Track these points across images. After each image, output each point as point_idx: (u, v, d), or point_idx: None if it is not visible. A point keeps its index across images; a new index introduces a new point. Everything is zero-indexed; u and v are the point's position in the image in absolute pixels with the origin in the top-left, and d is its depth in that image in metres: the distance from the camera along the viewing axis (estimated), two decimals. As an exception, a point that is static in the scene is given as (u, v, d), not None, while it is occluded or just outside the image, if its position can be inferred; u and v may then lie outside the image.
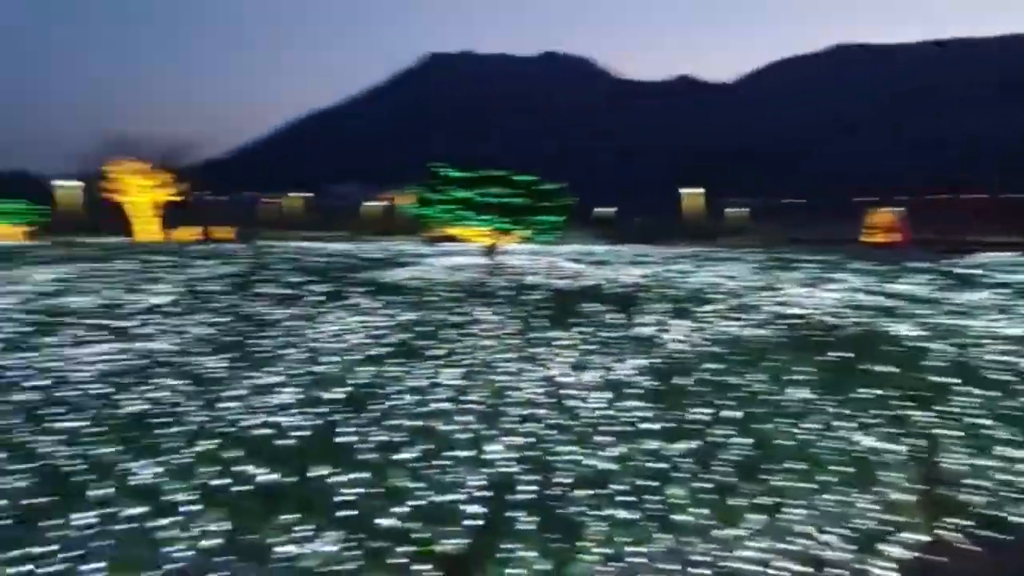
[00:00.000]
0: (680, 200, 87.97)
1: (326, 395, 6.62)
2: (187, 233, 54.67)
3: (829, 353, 9.02)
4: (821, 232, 79.17)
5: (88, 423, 5.65)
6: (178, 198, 56.38)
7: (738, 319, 11.71)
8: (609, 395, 6.77)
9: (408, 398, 6.54)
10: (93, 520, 4.11)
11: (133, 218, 52.84)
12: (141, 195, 52.29)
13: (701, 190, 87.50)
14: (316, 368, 7.73)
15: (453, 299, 13.26)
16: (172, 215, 56.08)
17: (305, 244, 44.79)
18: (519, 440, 5.49)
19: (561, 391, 6.93)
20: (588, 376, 7.55)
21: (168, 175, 53.44)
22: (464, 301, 13.01)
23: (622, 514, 4.40)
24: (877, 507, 4.71)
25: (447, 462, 5.04)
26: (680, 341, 9.63)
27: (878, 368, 8.31)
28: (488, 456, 5.14)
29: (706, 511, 4.56)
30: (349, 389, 6.81)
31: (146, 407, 6.15)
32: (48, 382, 6.98)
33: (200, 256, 26.90)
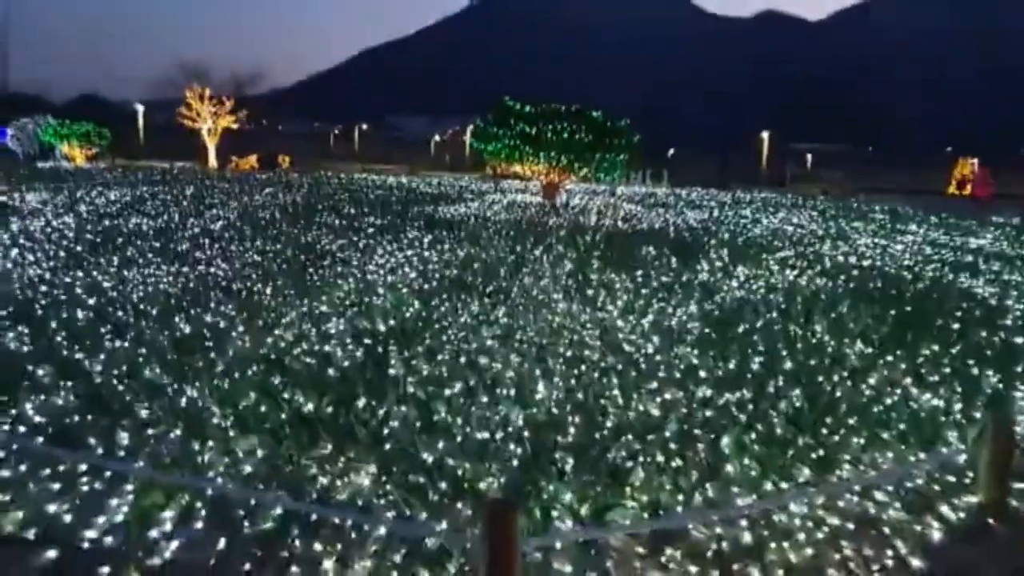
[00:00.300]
0: (755, 143, 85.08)
1: (375, 327, 6.55)
2: (249, 160, 55.52)
3: (897, 306, 8.57)
4: (898, 181, 75.95)
5: (135, 345, 5.71)
6: (244, 126, 57.33)
7: (802, 267, 11.24)
8: (662, 340, 6.53)
9: (457, 334, 6.43)
10: (134, 441, 4.12)
11: (204, 144, 53.95)
12: (212, 121, 53.23)
13: (766, 133, 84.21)
14: (367, 299, 7.68)
15: (509, 237, 13.08)
16: (236, 142, 57.08)
17: (365, 175, 45.12)
18: (567, 381, 5.32)
19: (614, 334, 6.72)
20: (642, 320, 7.31)
21: (236, 103, 54.21)
22: (519, 240, 12.82)
23: (668, 461, 4.21)
24: (936, 468, 4.41)
25: (493, 400, 4.92)
26: (739, 288, 9.27)
27: (947, 323, 7.86)
28: (534, 396, 4.99)
29: (755, 463, 4.34)
30: (399, 322, 6.74)
31: (194, 330, 6.19)
32: (100, 300, 7.10)
33: (259, 184, 27.25)
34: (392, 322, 6.73)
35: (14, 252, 9.61)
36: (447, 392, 5.00)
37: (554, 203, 20.53)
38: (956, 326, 7.79)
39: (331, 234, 12.82)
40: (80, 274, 8.37)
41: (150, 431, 4.26)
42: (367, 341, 6.07)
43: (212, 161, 54.01)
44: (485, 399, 4.92)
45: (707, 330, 6.94)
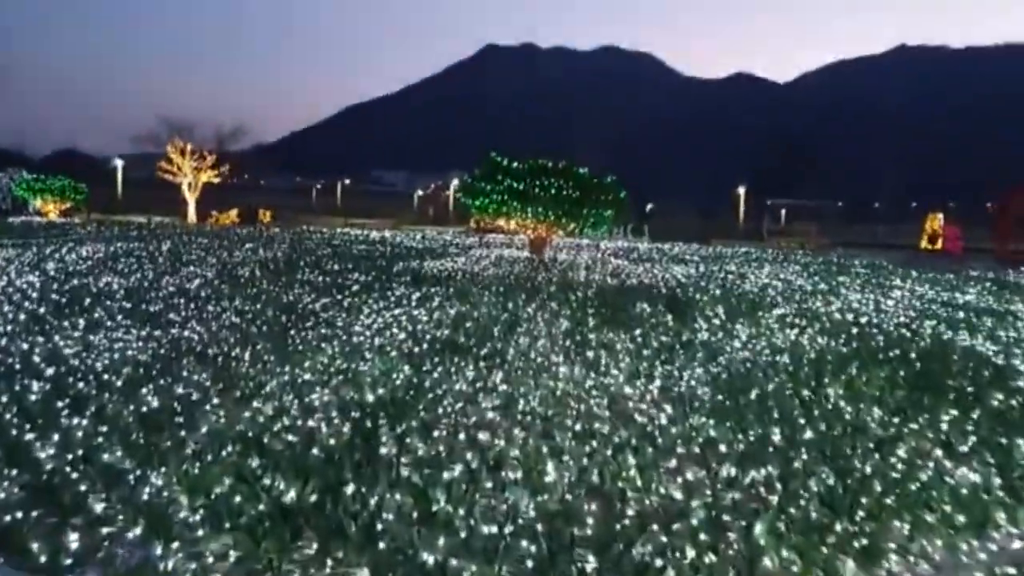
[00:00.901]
0: (732, 198, 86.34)
1: (363, 397, 6.03)
2: (229, 215, 55.11)
3: (905, 367, 8.19)
4: (871, 235, 77.02)
5: (95, 422, 5.13)
6: (226, 180, 57.09)
7: (802, 326, 10.89)
8: (675, 409, 6.07)
9: (453, 405, 5.93)
10: (84, 544, 3.55)
11: (185, 198, 53.52)
12: (192, 176, 52.92)
13: (742, 189, 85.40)
14: (353, 366, 7.16)
15: (499, 294, 12.67)
16: (218, 197, 56.74)
17: (348, 230, 44.77)
18: (579, 460, 4.82)
19: (622, 403, 6.25)
20: (648, 386, 6.85)
21: (218, 158, 54.03)
22: (511, 296, 12.40)
23: (700, 557, 3.71)
24: (996, 559, 3.94)
25: (498, 484, 4.40)
26: (742, 349, 8.87)
27: (961, 385, 7.48)
28: (544, 479, 4.48)
29: (794, 554, 3.84)
30: (389, 391, 6.22)
31: (163, 404, 5.63)
32: (60, 370, 6.51)
33: (239, 239, 26.75)
34: (381, 391, 6.21)
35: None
36: (446, 476, 4.47)
37: (542, 258, 20.23)
38: (970, 388, 7.41)
39: (314, 292, 12.32)
40: (40, 339, 7.78)
41: (104, 530, 3.69)
42: (354, 414, 5.55)
43: (192, 216, 53.53)
44: (489, 484, 4.40)
45: (719, 396, 6.49)
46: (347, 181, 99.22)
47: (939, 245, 48.70)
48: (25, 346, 7.42)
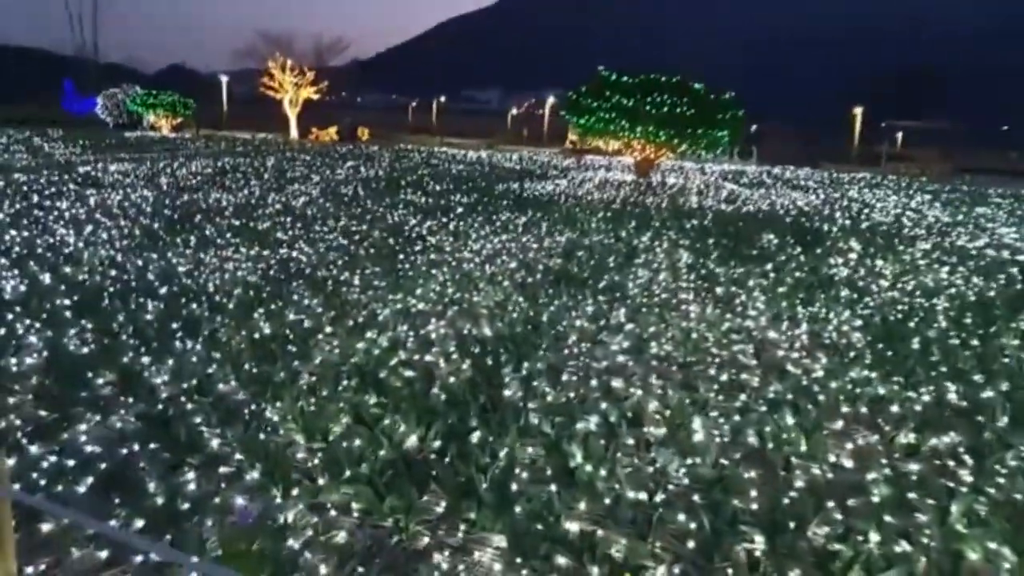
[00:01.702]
0: (846, 119, 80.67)
1: (481, 331, 5.60)
2: (328, 132, 55.55)
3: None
4: (1001, 161, 70.74)
5: (209, 347, 4.90)
6: (324, 97, 57.30)
7: (952, 263, 9.77)
8: (828, 359, 5.37)
9: (578, 344, 5.43)
10: (202, 486, 3.27)
11: (288, 115, 54.22)
12: (293, 92, 53.41)
13: (859, 109, 79.45)
14: (467, 295, 6.74)
15: (609, 220, 11.97)
16: (316, 113, 57.10)
17: (445, 150, 44.45)
18: (730, 418, 4.24)
19: (770, 350, 5.58)
20: (794, 330, 6.15)
21: (317, 74, 54.13)
22: (621, 223, 11.68)
23: (889, 544, 3.12)
24: None
25: (639, 441, 3.90)
26: (891, 289, 7.95)
27: None
28: (692, 438, 3.94)
29: (1004, 546, 3.18)
30: (507, 325, 5.77)
31: (274, 331, 5.36)
32: (172, 290, 6.35)
33: (340, 157, 26.75)
34: (500, 324, 5.77)
35: (87, 229, 9.07)
36: (580, 426, 4.00)
37: (649, 181, 19.20)
38: None
39: (419, 214, 11.96)
40: (154, 256, 7.72)
41: (221, 469, 3.42)
42: (474, 349, 5.13)
43: (293, 132, 54.07)
44: (631, 440, 3.90)
45: (878, 345, 5.73)
46: (443, 99, 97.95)
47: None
48: (140, 263, 7.36)
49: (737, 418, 4.20)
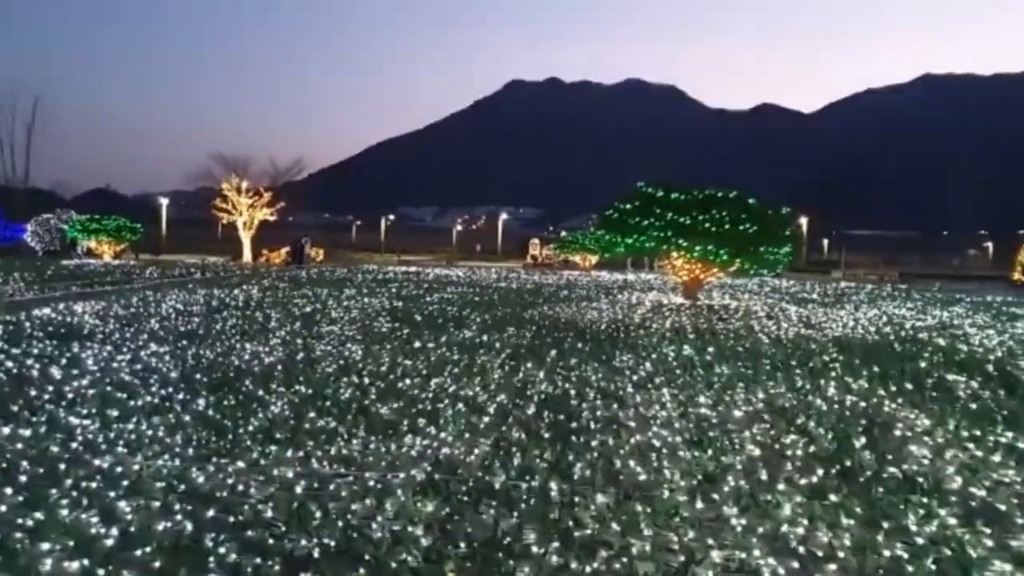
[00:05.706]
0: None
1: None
2: (279, 253, 53.28)
3: None
4: (948, 266, 73.27)
5: None
6: (273, 218, 55.11)
7: None
8: None
9: None
10: None
11: (242, 237, 51.55)
12: (248, 214, 50.99)
13: (805, 219, 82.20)
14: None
15: (708, 362, 9.55)
16: (258, 233, 54.71)
17: (415, 269, 42.11)
18: None
19: None
20: None
21: (274, 195, 52.05)
22: (723, 365, 9.28)
23: None
24: None
25: None
26: None
27: None
28: None
29: None
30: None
31: None
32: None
33: (332, 283, 23.78)
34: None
35: (121, 428, 6.05)
36: None
37: (696, 303, 17.18)
38: None
39: (514, 360, 9.34)
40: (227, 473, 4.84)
41: None
42: None
43: (247, 255, 51.36)
44: None
45: None
46: (391, 217, 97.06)
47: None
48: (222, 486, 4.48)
49: None
